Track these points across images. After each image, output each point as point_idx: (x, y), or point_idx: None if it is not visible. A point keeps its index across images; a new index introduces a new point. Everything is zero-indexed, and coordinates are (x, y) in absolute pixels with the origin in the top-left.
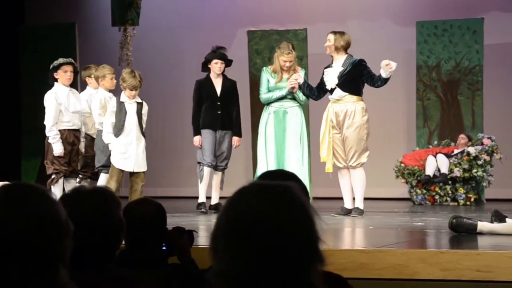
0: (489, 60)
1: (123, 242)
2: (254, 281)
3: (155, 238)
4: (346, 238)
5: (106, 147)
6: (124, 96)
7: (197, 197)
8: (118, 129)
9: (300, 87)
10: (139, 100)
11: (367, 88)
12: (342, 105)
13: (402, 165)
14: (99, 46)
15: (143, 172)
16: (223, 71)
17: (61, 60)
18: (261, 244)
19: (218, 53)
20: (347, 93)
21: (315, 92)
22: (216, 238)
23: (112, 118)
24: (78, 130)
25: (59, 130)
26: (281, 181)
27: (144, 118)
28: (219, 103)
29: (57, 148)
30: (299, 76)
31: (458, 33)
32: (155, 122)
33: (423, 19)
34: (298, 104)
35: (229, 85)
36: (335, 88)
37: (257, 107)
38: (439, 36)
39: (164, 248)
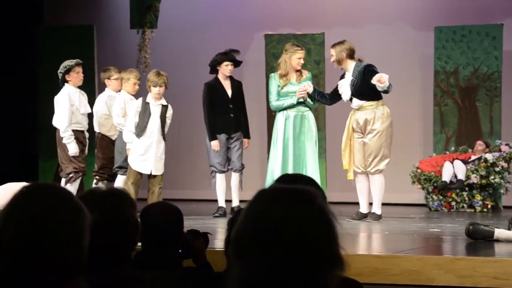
0: (508, 66)
1: (139, 244)
2: (274, 285)
3: (171, 241)
4: (362, 243)
5: (124, 149)
6: (149, 97)
7: (212, 200)
8: (141, 129)
9: (310, 95)
10: (165, 103)
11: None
12: (363, 113)
13: (419, 170)
14: (117, 48)
15: (161, 174)
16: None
17: (73, 62)
18: (281, 249)
19: (230, 55)
20: (364, 101)
21: (327, 97)
22: (236, 243)
23: (135, 118)
24: (84, 131)
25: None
26: (299, 185)
27: (168, 121)
28: (231, 106)
29: (73, 148)
30: (308, 85)
31: (477, 38)
32: (171, 125)
33: (442, 24)
34: (310, 108)
35: (237, 87)
36: (351, 98)
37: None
38: (457, 41)
39: (179, 251)
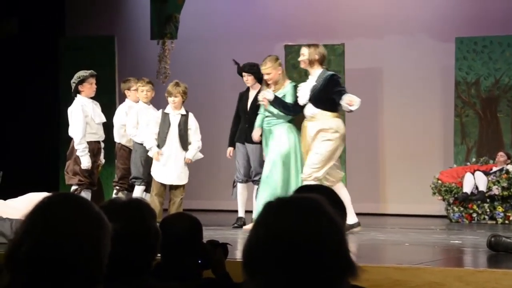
0: None
1: (159, 255)
2: None
3: (190, 252)
4: (381, 255)
5: (138, 160)
6: (169, 108)
7: (232, 210)
8: (161, 140)
9: (271, 103)
10: (184, 112)
11: (406, 102)
12: (316, 123)
13: (439, 182)
14: (138, 59)
15: (183, 185)
16: (254, 83)
17: (87, 73)
18: (293, 259)
19: (243, 66)
20: (319, 110)
21: (290, 107)
22: (248, 255)
23: (156, 129)
24: (100, 142)
25: (86, 142)
26: (305, 194)
27: (191, 131)
28: (246, 116)
29: (85, 162)
30: (267, 92)
31: (498, 49)
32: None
33: (462, 35)
34: (285, 120)
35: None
36: (307, 103)
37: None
38: (478, 52)
39: (199, 261)
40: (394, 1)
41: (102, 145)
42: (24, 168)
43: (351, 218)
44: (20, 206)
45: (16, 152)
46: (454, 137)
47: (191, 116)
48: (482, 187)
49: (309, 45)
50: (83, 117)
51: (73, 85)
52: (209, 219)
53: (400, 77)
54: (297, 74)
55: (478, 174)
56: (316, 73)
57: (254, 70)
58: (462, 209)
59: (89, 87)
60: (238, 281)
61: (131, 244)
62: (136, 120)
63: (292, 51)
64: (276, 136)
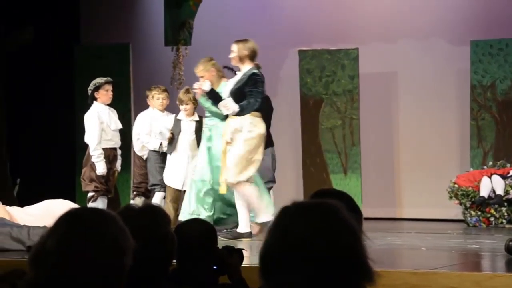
0: None
1: (175, 261)
2: None
3: (205, 257)
4: (398, 259)
5: (153, 167)
6: (181, 114)
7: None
8: (173, 146)
9: (206, 94)
10: (197, 118)
11: (421, 106)
12: (234, 121)
13: (456, 186)
14: (153, 66)
15: None
16: None
17: (103, 80)
18: (309, 264)
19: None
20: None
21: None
22: (264, 259)
23: (166, 135)
24: (116, 149)
25: (102, 148)
26: (321, 199)
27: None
28: None
29: (101, 168)
30: (204, 82)
31: None
32: None
33: (478, 38)
34: (220, 119)
35: None
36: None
37: (308, 125)
38: (494, 55)
39: (214, 267)
40: (408, 5)
41: (119, 152)
42: (41, 175)
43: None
44: (37, 213)
45: (33, 159)
46: (470, 141)
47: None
48: (500, 191)
49: (238, 41)
50: (98, 124)
51: (89, 92)
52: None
53: (415, 81)
54: (311, 79)
55: (495, 178)
56: (245, 69)
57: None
58: (479, 213)
59: (105, 94)
60: (254, 287)
61: (146, 250)
62: (149, 127)
63: (306, 56)
64: (214, 139)
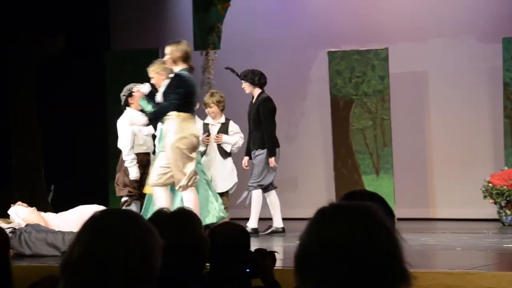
0: None
1: (208, 264)
2: None
3: (239, 260)
4: (433, 260)
5: None
6: (208, 118)
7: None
8: (203, 150)
9: (145, 97)
10: (223, 121)
11: (453, 105)
12: (166, 123)
13: (490, 185)
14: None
15: (227, 193)
16: (251, 90)
17: (137, 85)
18: (347, 265)
19: (241, 74)
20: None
21: (161, 106)
22: (301, 260)
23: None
24: (149, 154)
25: (135, 154)
26: (363, 201)
27: (232, 139)
28: (249, 124)
29: (134, 172)
30: (144, 85)
31: None
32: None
33: (510, 35)
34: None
35: (255, 104)
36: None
37: (339, 126)
38: None
39: (247, 270)
40: (437, 3)
41: (152, 157)
42: (74, 181)
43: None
44: (71, 219)
45: (66, 165)
46: (504, 139)
47: (231, 123)
48: None
49: (171, 43)
50: (130, 129)
51: (122, 98)
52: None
53: (446, 79)
54: (340, 80)
55: None
56: (176, 71)
57: (248, 77)
58: None
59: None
60: None
61: (180, 254)
62: None
63: (335, 57)
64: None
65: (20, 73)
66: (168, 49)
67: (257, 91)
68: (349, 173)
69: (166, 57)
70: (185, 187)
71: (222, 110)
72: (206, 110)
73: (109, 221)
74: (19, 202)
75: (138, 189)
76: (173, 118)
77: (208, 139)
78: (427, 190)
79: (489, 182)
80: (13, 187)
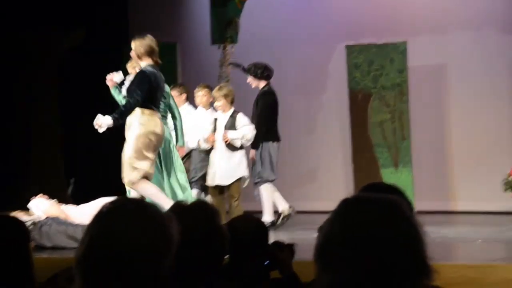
0: None
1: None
2: None
3: (257, 253)
4: (455, 252)
5: (194, 163)
6: (218, 112)
7: (296, 212)
8: (207, 148)
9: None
10: (231, 113)
11: (473, 99)
12: (128, 118)
13: (511, 178)
14: (200, 64)
15: (234, 186)
16: (256, 83)
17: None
18: (370, 257)
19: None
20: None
21: (122, 99)
22: (323, 251)
23: (208, 132)
24: None
25: None
26: (384, 194)
27: (238, 133)
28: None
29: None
30: (116, 73)
31: None
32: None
33: None
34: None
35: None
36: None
37: (357, 120)
38: None
39: (266, 262)
40: None
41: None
42: (94, 174)
43: None
44: (92, 211)
45: (86, 158)
46: None
47: (239, 115)
48: None
49: (135, 38)
50: None
51: None
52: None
53: (466, 73)
54: (359, 74)
55: None
56: (142, 66)
57: (252, 71)
58: None
59: None
60: (305, 281)
61: (198, 246)
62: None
63: (353, 51)
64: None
65: (40, 67)
66: (132, 44)
67: (262, 84)
68: (368, 166)
69: (131, 53)
70: (130, 184)
71: (231, 103)
72: (215, 104)
73: (115, 215)
74: (40, 195)
75: None
76: (136, 114)
77: (213, 138)
78: (446, 183)
79: (509, 175)
80: (34, 180)
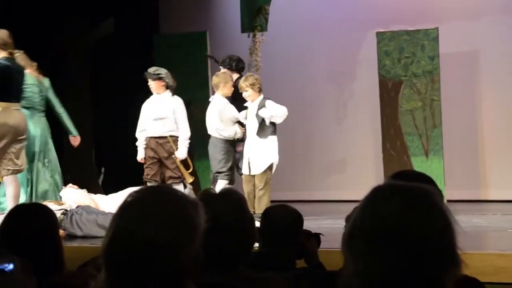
0: None
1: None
2: (390, 282)
3: (289, 242)
4: (483, 241)
5: (213, 154)
6: (248, 102)
7: (325, 201)
8: (244, 133)
9: None
10: (260, 100)
11: (505, 86)
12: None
13: None
14: (230, 53)
15: (260, 175)
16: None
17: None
18: (399, 246)
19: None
20: None
21: None
22: (352, 239)
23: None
24: (165, 137)
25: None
26: (416, 182)
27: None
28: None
29: (140, 154)
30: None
31: None
32: (284, 127)
33: None
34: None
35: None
36: None
37: (387, 107)
38: None
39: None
40: None
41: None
42: (124, 164)
43: None
44: (120, 201)
45: (117, 148)
46: None
47: (268, 102)
48: None
49: None
50: (142, 112)
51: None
52: (301, 209)
53: (499, 59)
54: (389, 61)
55: None
56: None
57: (227, 63)
58: None
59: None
60: (331, 270)
61: (227, 234)
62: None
63: (384, 38)
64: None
65: (70, 57)
66: None
67: (235, 76)
68: (398, 155)
69: None
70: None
71: (259, 91)
72: (243, 95)
73: (138, 205)
74: (71, 184)
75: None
76: None
77: (244, 129)
78: (478, 172)
79: None
80: (65, 169)
